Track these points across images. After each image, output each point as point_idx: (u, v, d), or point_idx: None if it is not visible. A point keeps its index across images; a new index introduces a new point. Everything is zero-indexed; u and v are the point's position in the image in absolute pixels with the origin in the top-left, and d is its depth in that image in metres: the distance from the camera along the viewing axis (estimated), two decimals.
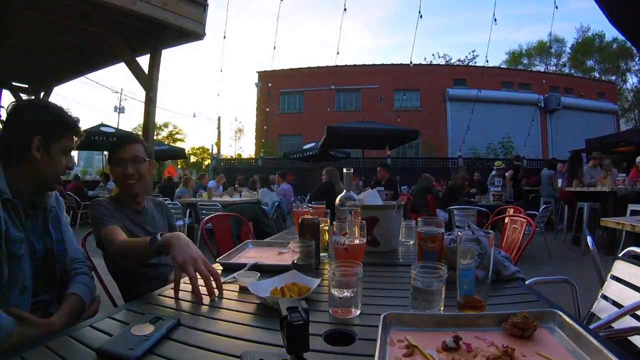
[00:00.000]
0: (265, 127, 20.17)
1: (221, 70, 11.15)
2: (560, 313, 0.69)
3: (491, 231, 0.84)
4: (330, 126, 7.68)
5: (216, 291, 0.96)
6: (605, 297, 1.33)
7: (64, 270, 1.19)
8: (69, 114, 1.20)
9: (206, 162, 26.65)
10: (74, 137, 1.20)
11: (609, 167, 6.17)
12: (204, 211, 5.41)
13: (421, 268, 0.81)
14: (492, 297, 0.96)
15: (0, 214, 0.98)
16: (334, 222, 1.24)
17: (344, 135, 8.21)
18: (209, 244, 2.29)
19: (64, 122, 1.17)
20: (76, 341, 0.70)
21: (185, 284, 1.02)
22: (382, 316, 0.69)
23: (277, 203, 6.23)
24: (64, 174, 1.20)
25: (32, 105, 1.19)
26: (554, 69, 28.44)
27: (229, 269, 1.24)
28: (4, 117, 1.13)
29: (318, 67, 21.60)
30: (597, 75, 26.70)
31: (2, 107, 5.86)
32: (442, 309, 0.80)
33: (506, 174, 8.08)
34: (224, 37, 8.66)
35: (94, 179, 14.91)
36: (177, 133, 29.57)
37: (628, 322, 1.11)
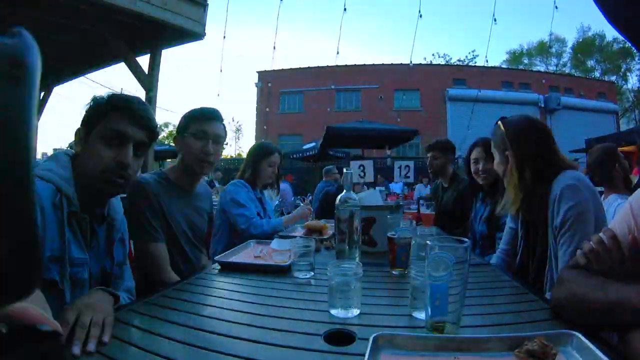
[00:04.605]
0: (265, 127, 20.18)
1: (221, 70, 11.14)
2: (580, 336, 0.60)
3: (465, 239, 0.73)
4: (330, 126, 7.70)
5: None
6: None
7: None
8: (112, 91, 0.98)
9: None
10: (124, 118, 0.93)
11: None
12: None
13: (420, 268, 0.81)
14: (495, 306, 0.96)
15: (65, 233, 0.82)
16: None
17: (344, 135, 8.23)
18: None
19: (102, 102, 0.94)
20: None
21: (189, 288, 1.01)
22: (371, 337, 0.62)
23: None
24: (113, 171, 0.90)
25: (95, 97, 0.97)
26: (555, 68, 28.45)
27: (229, 268, 1.24)
28: None
29: (318, 67, 21.63)
30: (598, 75, 26.71)
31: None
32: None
33: None
34: (224, 37, 8.67)
35: None
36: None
37: None
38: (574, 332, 0.62)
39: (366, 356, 0.58)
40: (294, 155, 11.80)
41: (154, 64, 4.50)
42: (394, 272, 1.17)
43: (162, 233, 1.34)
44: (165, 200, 1.38)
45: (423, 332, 0.72)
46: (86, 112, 0.95)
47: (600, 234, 0.77)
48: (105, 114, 0.92)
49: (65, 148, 0.99)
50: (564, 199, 1.09)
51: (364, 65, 22.16)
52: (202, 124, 1.43)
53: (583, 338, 0.60)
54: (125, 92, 1.00)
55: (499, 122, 1.32)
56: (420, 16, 7.31)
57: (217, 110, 1.50)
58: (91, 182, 0.90)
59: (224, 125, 1.51)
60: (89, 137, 0.92)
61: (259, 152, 2.16)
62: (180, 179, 1.47)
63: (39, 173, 0.83)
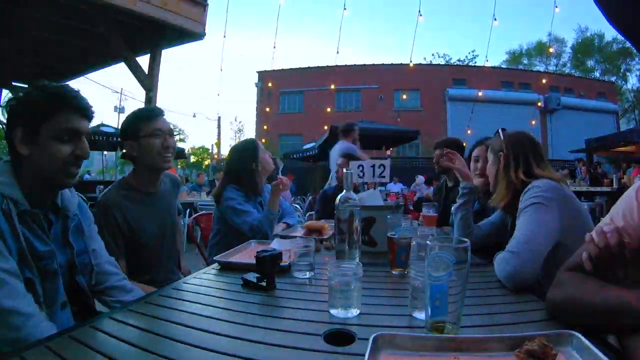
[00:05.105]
0: (265, 127, 20.17)
1: (221, 70, 11.12)
2: (580, 336, 0.61)
3: (466, 239, 0.72)
4: (334, 125, 7.72)
5: None
6: None
7: (89, 284, 1.06)
8: (57, 86, 0.96)
9: (206, 162, 26.67)
10: (74, 115, 0.94)
11: None
12: (204, 211, 5.40)
13: (420, 268, 0.80)
14: (495, 306, 0.96)
15: (19, 234, 0.85)
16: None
17: None
18: (200, 247, 2.30)
19: (49, 98, 0.93)
20: (76, 341, 0.70)
21: (189, 288, 1.01)
22: (371, 337, 0.62)
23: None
24: (72, 164, 0.95)
25: (23, 94, 0.96)
26: (554, 69, 28.41)
27: (228, 267, 1.24)
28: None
29: (318, 67, 21.61)
30: (598, 75, 26.68)
31: (2, 106, 5.86)
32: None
33: None
34: (224, 36, 8.62)
35: (93, 178, 14.86)
36: (177, 133, 29.60)
37: None
38: (574, 333, 0.62)
39: (366, 356, 0.58)
40: (294, 155, 11.79)
41: (154, 64, 4.51)
42: (393, 272, 1.17)
43: (121, 250, 1.39)
44: (131, 210, 1.43)
45: (423, 332, 0.72)
46: (19, 112, 0.93)
47: (608, 234, 0.76)
48: (52, 113, 0.92)
49: None
50: (528, 192, 1.18)
51: (364, 65, 22.16)
52: (155, 122, 1.46)
53: (583, 338, 0.60)
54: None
55: (500, 130, 1.43)
56: (420, 15, 7.30)
57: (159, 107, 1.58)
58: (49, 178, 0.94)
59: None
60: (35, 137, 0.91)
61: (248, 149, 2.02)
62: (143, 184, 1.50)
63: None
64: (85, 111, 0.97)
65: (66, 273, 0.99)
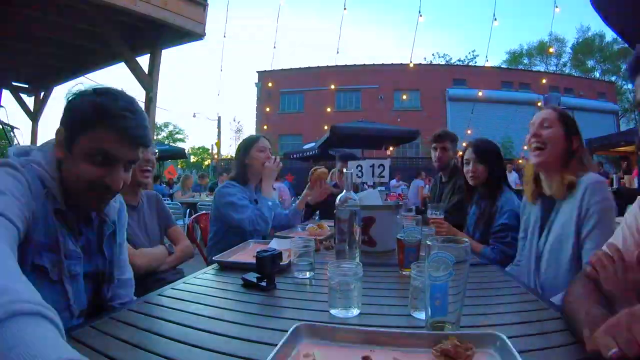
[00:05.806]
0: (265, 127, 20.18)
1: (221, 70, 11.14)
2: (504, 338, 0.59)
3: (466, 239, 0.72)
4: (334, 125, 7.72)
5: None
6: None
7: (108, 295, 1.00)
8: (113, 101, 0.80)
9: (206, 162, 26.69)
10: (115, 136, 0.80)
11: None
12: (204, 211, 5.40)
13: (420, 268, 0.80)
14: (495, 306, 0.96)
15: (50, 222, 0.79)
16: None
17: (346, 135, 8.24)
18: (199, 245, 2.30)
19: (94, 109, 0.78)
20: (76, 341, 0.70)
21: (189, 288, 1.02)
22: (291, 328, 0.63)
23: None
24: (98, 191, 0.83)
25: (78, 93, 0.83)
26: (555, 68, 28.41)
27: (227, 267, 1.24)
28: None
29: (318, 67, 21.63)
30: (598, 75, 26.67)
31: (2, 106, 5.85)
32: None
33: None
34: (224, 36, 8.62)
35: None
36: (177, 133, 29.64)
37: None
38: (499, 334, 0.60)
39: (280, 343, 0.59)
40: (294, 155, 11.79)
41: (154, 64, 4.51)
42: (404, 273, 1.15)
43: None
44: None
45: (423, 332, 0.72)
46: (69, 112, 0.82)
47: (604, 248, 0.77)
48: (92, 127, 0.79)
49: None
50: (595, 192, 1.13)
51: (364, 65, 22.18)
52: None
53: (507, 341, 0.58)
54: (125, 92, 0.86)
55: (565, 110, 1.36)
56: (420, 15, 7.29)
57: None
58: (76, 194, 0.84)
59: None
60: (71, 146, 0.80)
61: (245, 144, 2.07)
62: (125, 195, 1.53)
63: (34, 159, 0.81)
64: (132, 138, 0.82)
65: (93, 282, 0.94)
